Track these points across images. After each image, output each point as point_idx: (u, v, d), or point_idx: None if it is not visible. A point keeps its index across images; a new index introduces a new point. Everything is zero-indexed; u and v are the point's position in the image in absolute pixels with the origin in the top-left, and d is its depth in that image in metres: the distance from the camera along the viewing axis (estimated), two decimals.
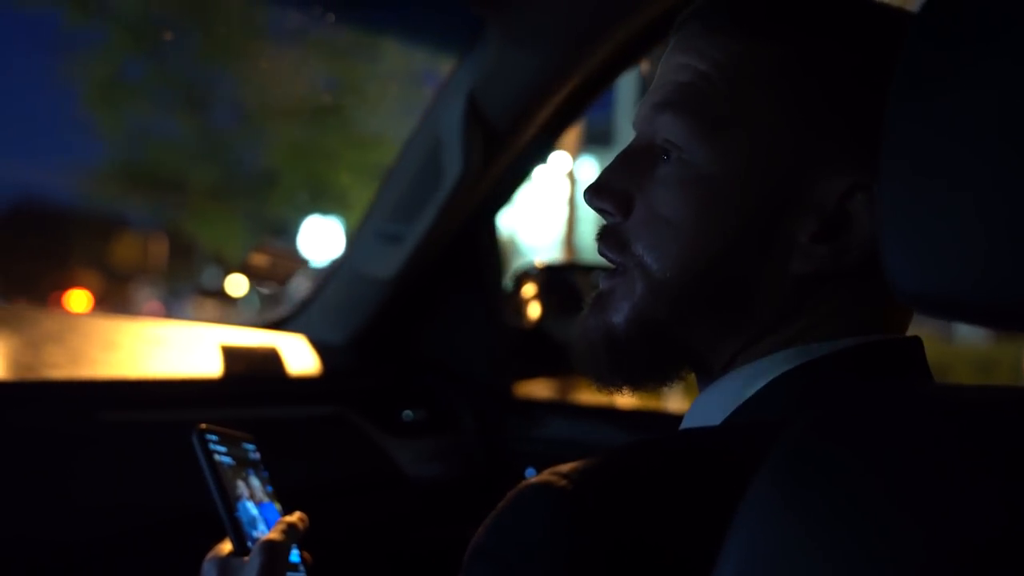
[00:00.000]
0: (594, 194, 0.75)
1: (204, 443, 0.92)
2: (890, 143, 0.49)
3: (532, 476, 0.74)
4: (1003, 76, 0.45)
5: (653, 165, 0.73)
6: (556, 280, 1.97)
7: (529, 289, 1.94)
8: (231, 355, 1.68)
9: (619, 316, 0.74)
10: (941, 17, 0.49)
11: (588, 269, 2.17)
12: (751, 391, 0.71)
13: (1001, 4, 0.46)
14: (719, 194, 0.70)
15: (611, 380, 0.75)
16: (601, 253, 0.76)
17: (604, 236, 0.76)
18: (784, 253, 0.70)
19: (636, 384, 0.76)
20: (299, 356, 1.80)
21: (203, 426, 0.93)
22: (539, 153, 1.73)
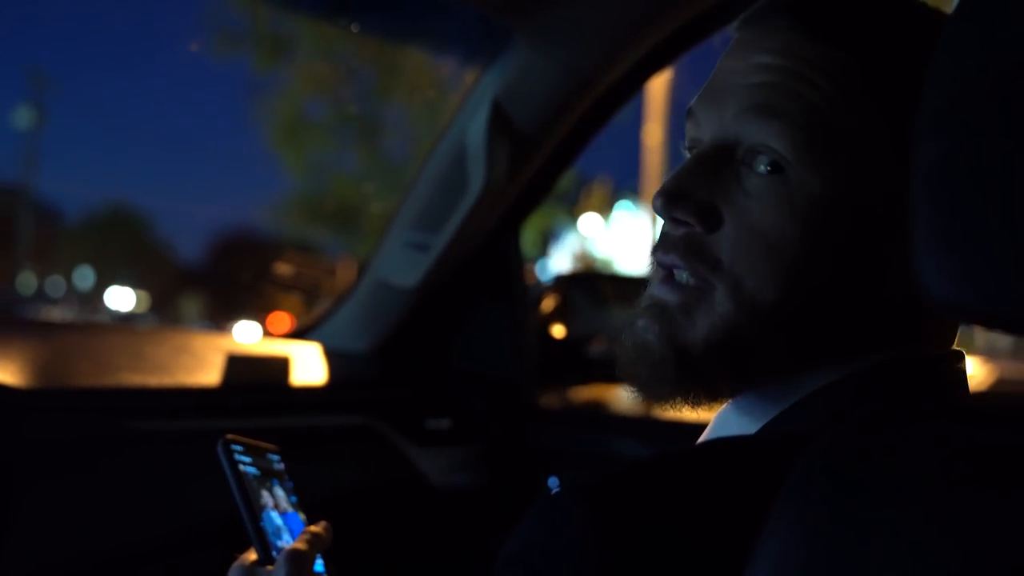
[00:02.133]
0: (671, 202, 0.68)
1: (229, 453, 0.92)
2: (923, 150, 0.49)
3: (555, 485, 0.74)
4: None
5: (738, 174, 0.68)
6: (582, 290, 1.96)
7: (555, 299, 1.93)
8: (258, 365, 1.69)
9: (697, 332, 0.68)
10: (975, 20, 0.48)
11: (615, 280, 2.16)
12: (789, 403, 0.69)
13: None
14: (830, 216, 0.65)
15: (672, 395, 0.70)
16: (670, 264, 0.70)
17: (683, 248, 0.68)
18: (885, 277, 0.67)
19: (697, 400, 0.71)
20: (325, 365, 1.80)
21: (229, 436, 0.94)
22: (565, 161, 1.72)
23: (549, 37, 1.51)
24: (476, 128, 1.60)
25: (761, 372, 0.69)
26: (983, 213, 0.46)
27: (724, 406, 0.75)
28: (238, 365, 1.64)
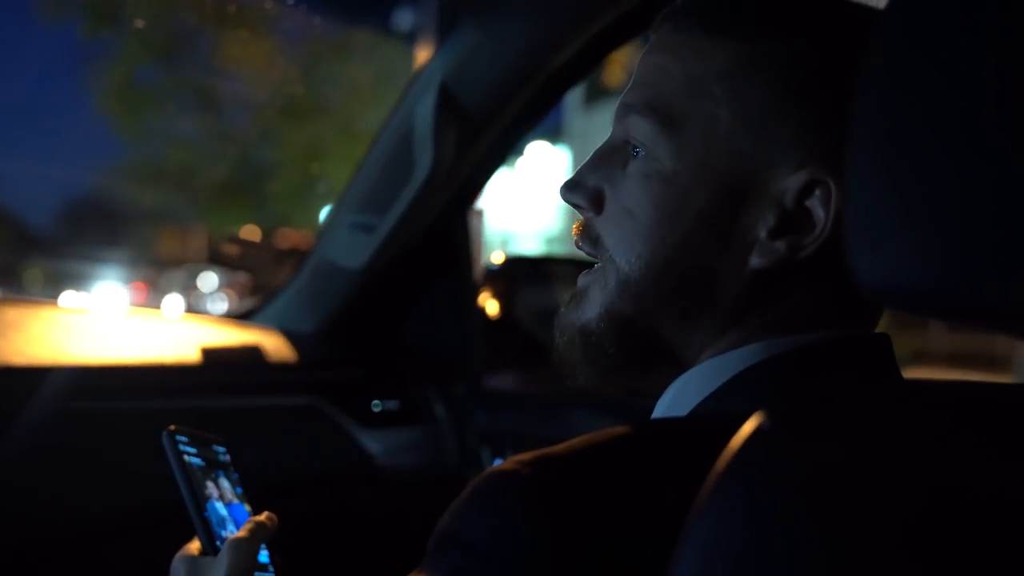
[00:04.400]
0: (568, 190, 0.78)
1: (175, 444, 0.93)
2: (857, 138, 0.50)
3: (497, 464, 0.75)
4: (970, 70, 0.46)
5: (624, 162, 0.75)
6: (527, 272, 1.97)
7: (500, 281, 1.94)
8: (202, 345, 1.67)
9: (592, 311, 0.76)
10: (909, 10, 0.49)
11: (559, 261, 2.17)
12: (716, 384, 0.72)
13: (967, 2, 0.47)
14: (677, 188, 0.72)
15: (587, 374, 0.77)
16: (577, 247, 0.78)
17: (579, 231, 0.78)
18: (743, 247, 0.71)
19: (611, 378, 0.77)
20: (270, 346, 1.79)
21: (173, 427, 0.94)
22: (512, 144, 1.72)
23: (497, 19, 1.50)
24: (423, 110, 1.59)
25: (658, 344, 0.75)
26: (911, 199, 0.47)
27: (669, 387, 0.77)
28: (185, 346, 1.63)
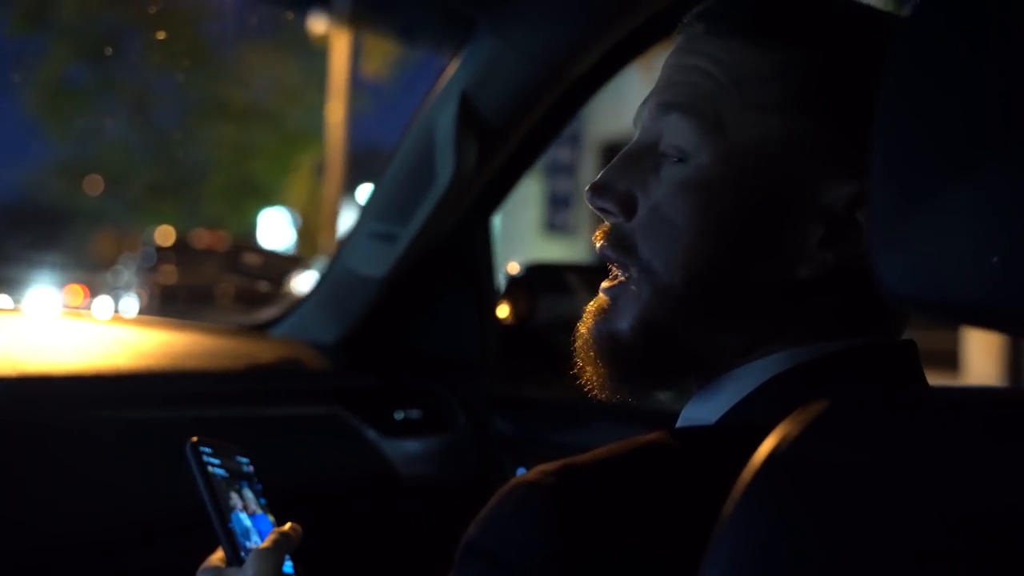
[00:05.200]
0: (596, 194, 0.74)
1: (198, 455, 0.93)
2: (880, 143, 0.50)
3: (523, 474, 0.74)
4: (992, 77, 0.46)
5: (657, 166, 0.72)
6: (548, 280, 1.97)
7: (521, 289, 1.94)
8: (224, 355, 1.68)
9: (625, 322, 0.72)
10: (932, 17, 0.49)
11: (580, 269, 2.17)
12: (743, 393, 0.71)
13: (992, 7, 0.47)
14: (722, 198, 0.69)
15: (616, 387, 0.74)
16: (603, 254, 0.75)
17: (607, 237, 0.74)
18: (790, 258, 0.69)
19: (641, 391, 0.75)
20: (291, 356, 1.80)
21: (197, 438, 0.93)
22: (534, 152, 1.73)
23: (516, 28, 1.51)
24: (444, 120, 1.60)
25: (695, 358, 0.73)
26: (935, 206, 0.47)
27: (695, 395, 0.76)
28: (206, 355, 1.63)
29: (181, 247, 13.53)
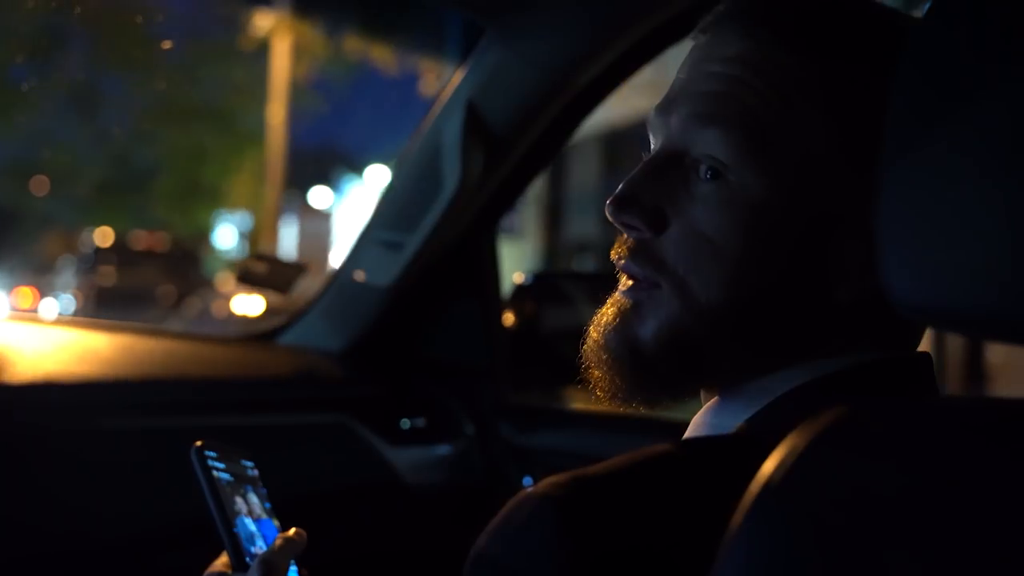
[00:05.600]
0: (621, 208, 0.70)
1: (203, 459, 0.92)
2: (888, 155, 0.49)
3: (530, 484, 0.74)
4: (1004, 89, 0.45)
5: (687, 179, 0.69)
6: (553, 289, 1.97)
7: (527, 298, 1.94)
8: (231, 364, 1.68)
9: (647, 331, 0.70)
10: (940, 30, 0.49)
11: (585, 278, 2.16)
12: (758, 406, 0.70)
13: (1001, 18, 0.46)
14: (769, 219, 0.66)
15: (630, 395, 0.72)
16: (627, 270, 0.72)
17: (634, 252, 0.71)
18: (830, 281, 0.68)
19: (654, 400, 0.73)
20: (298, 365, 1.80)
21: (202, 442, 0.93)
22: (541, 160, 1.73)
23: (523, 37, 1.51)
24: (451, 129, 1.60)
25: (719, 372, 0.71)
26: (945, 217, 0.46)
27: (704, 407, 0.75)
28: (213, 363, 1.64)
29: (120, 248, 13.50)
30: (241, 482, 0.96)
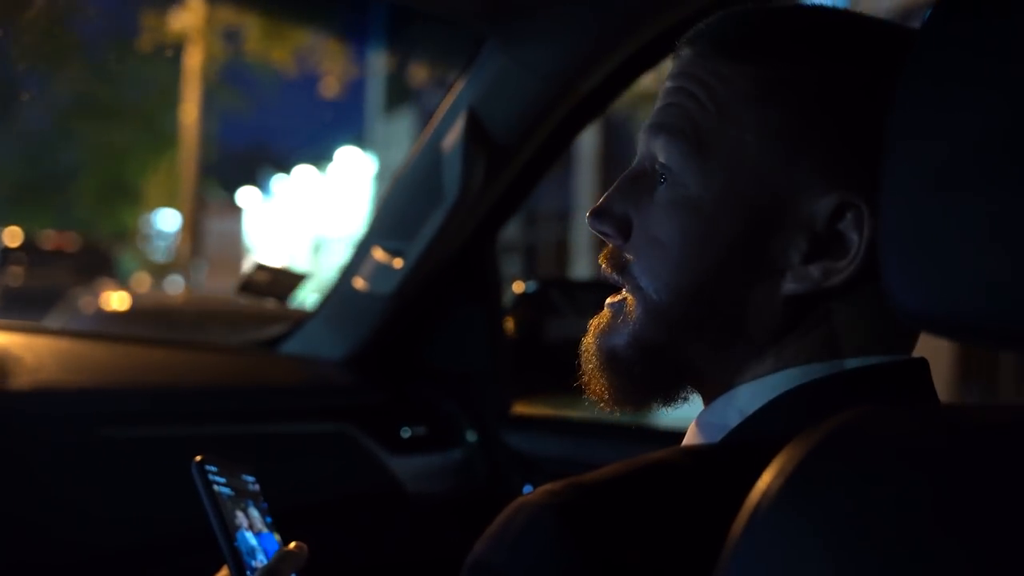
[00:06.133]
0: (595, 218, 0.76)
1: (204, 474, 0.92)
2: (892, 161, 0.49)
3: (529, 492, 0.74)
4: (1006, 95, 0.45)
5: (652, 188, 0.74)
6: (554, 297, 1.97)
7: (528, 306, 1.94)
8: (232, 372, 1.68)
9: (620, 339, 0.75)
10: (944, 35, 0.49)
11: (586, 286, 2.16)
12: (750, 410, 0.71)
13: (1003, 24, 0.46)
14: (706, 216, 0.71)
15: (615, 401, 0.76)
16: (605, 276, 0.77)
17: (608, 259, 0.77)
18: (775, 273, 0.70)
19: (639, 404, 0.76)
20: (299, 373, 1.80)
21: (200, 458, 0.93)
22: (541, 168, 1.73)
23: (524, 45, 1.51)
24: (452, 136, 1.60)
25: (694, 372, 0.74)
26: (947, 224, 0.46)
27: (701, 413, 0.76)
28: (212, 371, 1.63)
29: (29, 248, 13.44)
30: (242, 496, 0.96)
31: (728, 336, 0.72)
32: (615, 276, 0.76)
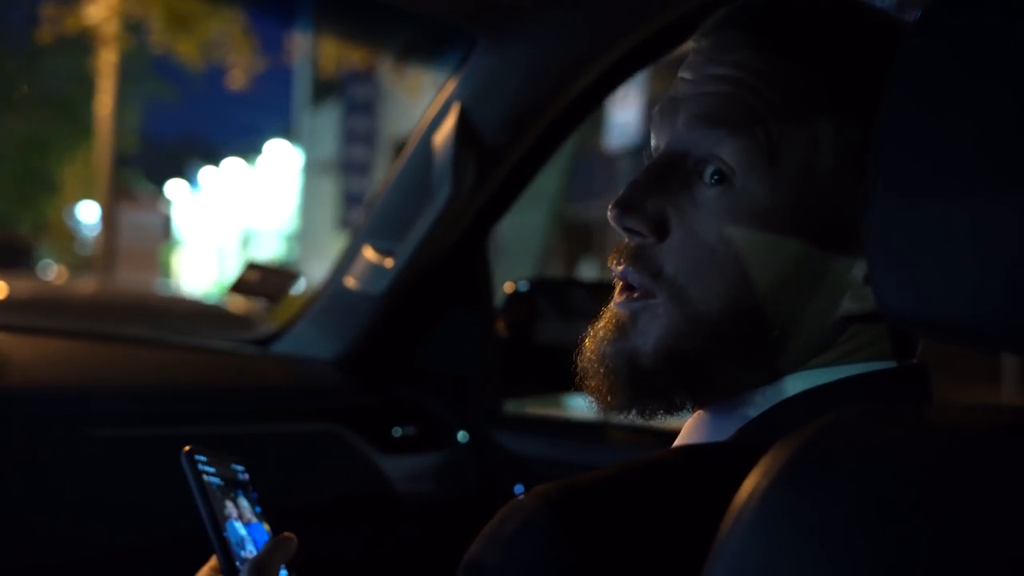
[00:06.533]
0: (625, 212, 0.69)
1: (193, 463, 0.92)
2: (879, 161, 0.49)
3: (522, 493, 0.74)
4: (992, 100, 0.45)
5: (690, 183, 0.69)
6: (547, 297, 1.97)
7: (520, 306, 1.93)
8: (222, 372, 1.67)
9: (645, 342, 0.69)
10: (930, 41, 0.49)
11: (579, 286, 2.16)
12: (755, 413, 0.70)
13: (990, 30, 0.46)
14: (773, 228, 0.66)
15: (626, 406, 0.71)
16: (625, 277, 0.71)
17: (634, 258, 0.70)
18: (834, 292, 0.67)
19: (652, 411, 0.72)
20: (289, 373, 1.79)
21: (192, 447, 0.93)
22: (532, 169, 1.72)
23: (516, 45, 1.51)
24: (443, 137, 1.60)
25: (716, 382, 0.70)
26: (935, 225, 0.46)
27: (694, 416, 0.75)
28: (202, 370, 1.63)
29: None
30: (231, 486, 0.95)
31: (771, 354, 0.69)
32: (642, 278, 0.69)
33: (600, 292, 0.76)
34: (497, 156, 1.63)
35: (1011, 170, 0.44)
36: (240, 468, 0.99)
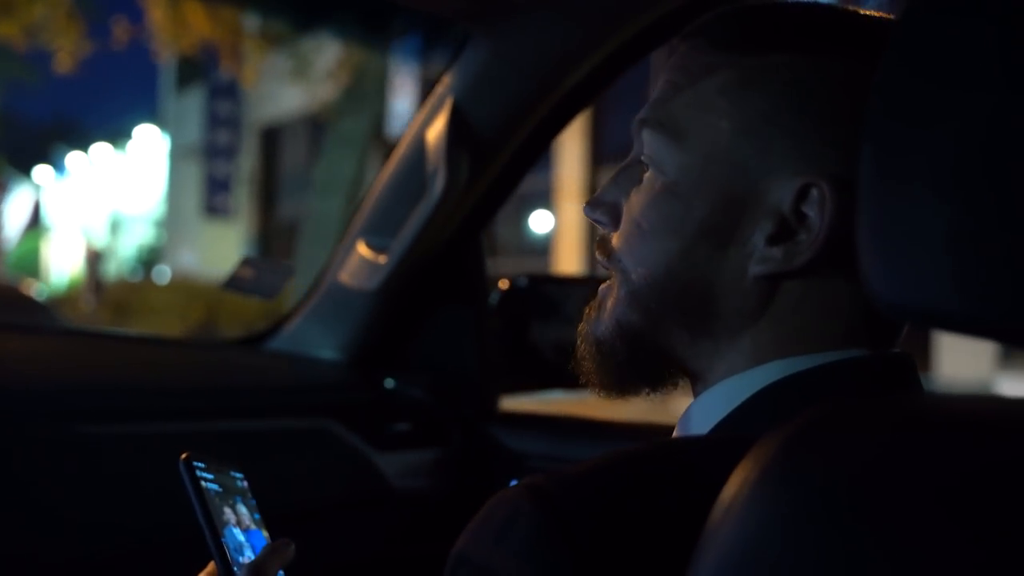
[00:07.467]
0: (591, 207, 0.80)
1: (192, 470, 0.92)
2: (869, 150, 0.49)
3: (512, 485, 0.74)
4: (985, 83, 0.45)
5: (640, 178, 0.77)
6: (541, 292, 1.97)
7: (514, 301, 1.93)
8: (216, 369, 1.67)
9: (605, 323, 0.78)
10: (922, 23, 0.49)
11: (574, 281, 2.16)
12: (735, 404, 0.71)
13: (983, 14, 0.46)
14: (680, 200, 0.74)
15: (602, 386, 0.79)
16: (599, 262, 0.80)
17: (600, 246, 0.80)
18: (743, 257, 0.72)
19: (626, 389, 0.79)
20: (284, 370, 1.79)
21: (191, 454, 0.93)
22: (526, 164, 1.72)
23: (509, 39, 1.51)
24: (436, 132, 1.60)
25: (670, 356, 0.76)
26: (923, 214, 0.46)
27: (689, 406, 0.77)
28: (197, 368, 1.63)
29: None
30: (230, 493, 0.96)
31: (700, 319, 0.74)
32: (603, 260, 0.79)
33: (595, 286, 0.82)
34: (490, 151, 1.63)
35: (1007, 150, 0.44)
36: (239, 475, 0.99)
